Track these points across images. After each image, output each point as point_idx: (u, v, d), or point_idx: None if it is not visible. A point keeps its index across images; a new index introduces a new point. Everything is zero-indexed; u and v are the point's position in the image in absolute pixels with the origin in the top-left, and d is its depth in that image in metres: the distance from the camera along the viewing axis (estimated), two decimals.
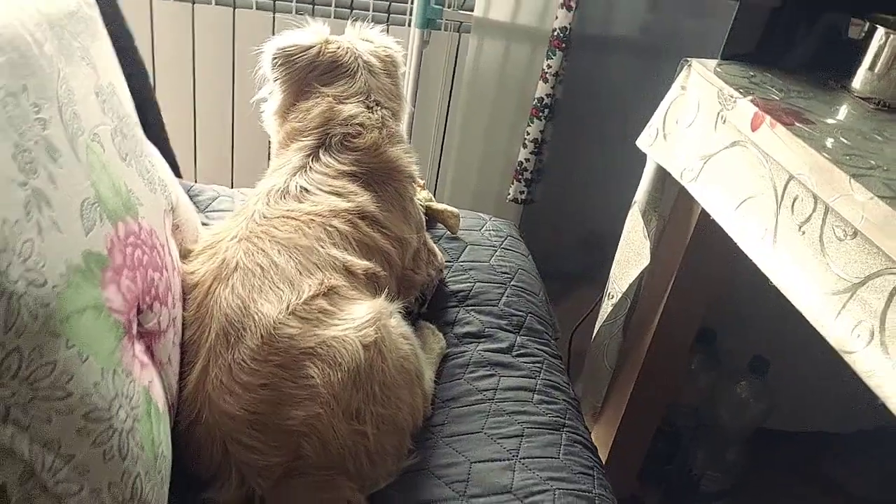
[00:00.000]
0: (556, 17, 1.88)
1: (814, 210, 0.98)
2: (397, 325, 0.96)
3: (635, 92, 1.53)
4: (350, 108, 1.10)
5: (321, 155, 1.06)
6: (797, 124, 1.06)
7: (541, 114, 1.99)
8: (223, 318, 0.88)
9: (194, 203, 1.32)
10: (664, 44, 1.72)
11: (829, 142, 1.02)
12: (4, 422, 0.59)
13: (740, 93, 1.15)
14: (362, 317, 0.90)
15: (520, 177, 2.09)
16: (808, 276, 0.97)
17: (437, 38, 1.99)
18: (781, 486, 1.72)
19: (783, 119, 1.07)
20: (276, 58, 1.13)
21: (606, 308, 1.50)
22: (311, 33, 1.15)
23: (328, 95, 1.10)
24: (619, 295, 1.46)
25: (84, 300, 0.67)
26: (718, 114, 1.19)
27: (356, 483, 0.88)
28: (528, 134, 2.03)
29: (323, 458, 0.84)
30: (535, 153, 2.06)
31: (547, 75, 1.94)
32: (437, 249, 1.25)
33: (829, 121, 1.11)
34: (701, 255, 1.36)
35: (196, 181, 1.61)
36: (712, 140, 1.20)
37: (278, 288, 0.89)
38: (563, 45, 1.90)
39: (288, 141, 1.10)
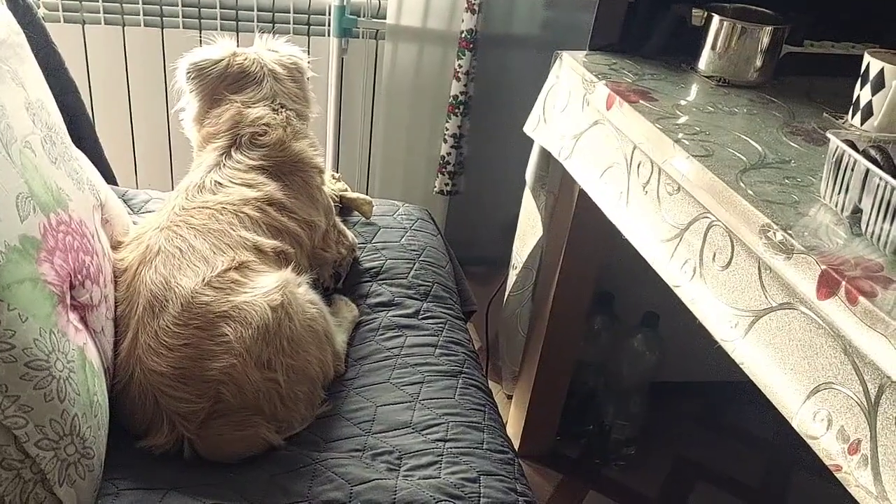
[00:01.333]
0: (462, 20, 2.05)
1: (651, 172, 1.16)
2: (305, 292, 1.12)
3: (541, 84, 1.68)
4: (257, 111, 1.25)
5: (233, 153, 1.21)
6: (641, 102, 1.24)
7: (457, 110, 2.16)
8: (148, 294, 1.03)
9: (129, 206, 1.46)
10: (562, 38, 1.89)
11: (666, 115, 1.20)
12: None
13: (599, 78, 1.33)
14: (270, 285, 1.06)
15: (443, 170, 2.25)
16: (650, 227, 1.15)
17: (356, 46, 2.15)
18: (684, 431, 1.91)
19: (630, 98, 1.25)
20: (189, 72, 1.28)
21: (512, 278, 1.67)
22: (219, 48, 1.30)
23: (237, 101, 1.25)
24: (521, 265, 1.63)
25: (22, 273, 0.82)
26: (583, 97, 1.37)
27: (273, 424, 1.03)
28: (448, 129, 2.19)
29: (240, 401, 0.99)
30: (455, 147, 2.22)
31: (459, 74, 2.11)
32: (346, 230, 1.40)
33: (673, 97, 1.29)
34: (587, 224, 1.53)
35: (138, 188, 1.75)
36: (580, 120, 1.37)
37: (195, 265, 1.05)
38: (471, 45, 2.07)
39: (204, 143, 1.26)
